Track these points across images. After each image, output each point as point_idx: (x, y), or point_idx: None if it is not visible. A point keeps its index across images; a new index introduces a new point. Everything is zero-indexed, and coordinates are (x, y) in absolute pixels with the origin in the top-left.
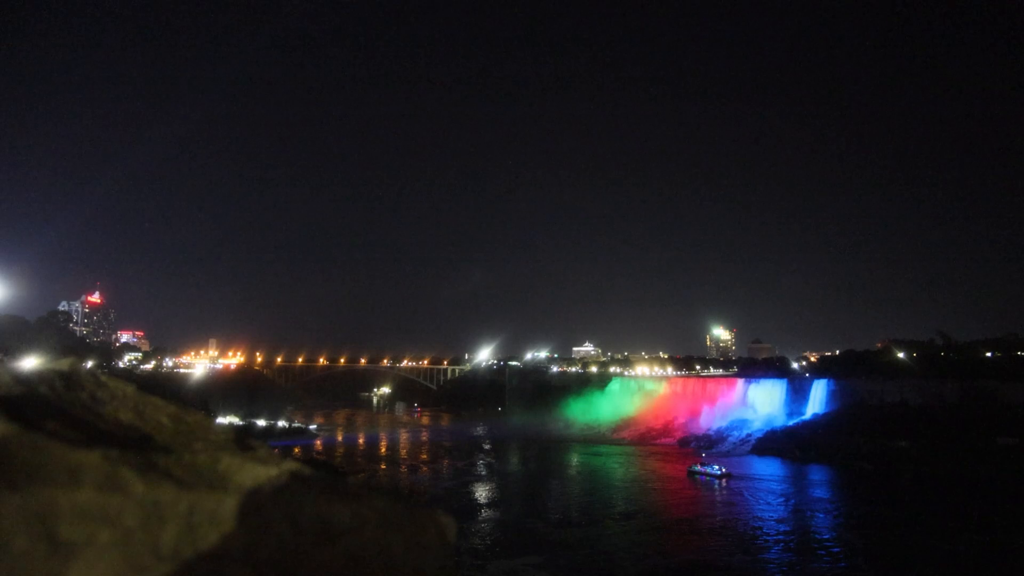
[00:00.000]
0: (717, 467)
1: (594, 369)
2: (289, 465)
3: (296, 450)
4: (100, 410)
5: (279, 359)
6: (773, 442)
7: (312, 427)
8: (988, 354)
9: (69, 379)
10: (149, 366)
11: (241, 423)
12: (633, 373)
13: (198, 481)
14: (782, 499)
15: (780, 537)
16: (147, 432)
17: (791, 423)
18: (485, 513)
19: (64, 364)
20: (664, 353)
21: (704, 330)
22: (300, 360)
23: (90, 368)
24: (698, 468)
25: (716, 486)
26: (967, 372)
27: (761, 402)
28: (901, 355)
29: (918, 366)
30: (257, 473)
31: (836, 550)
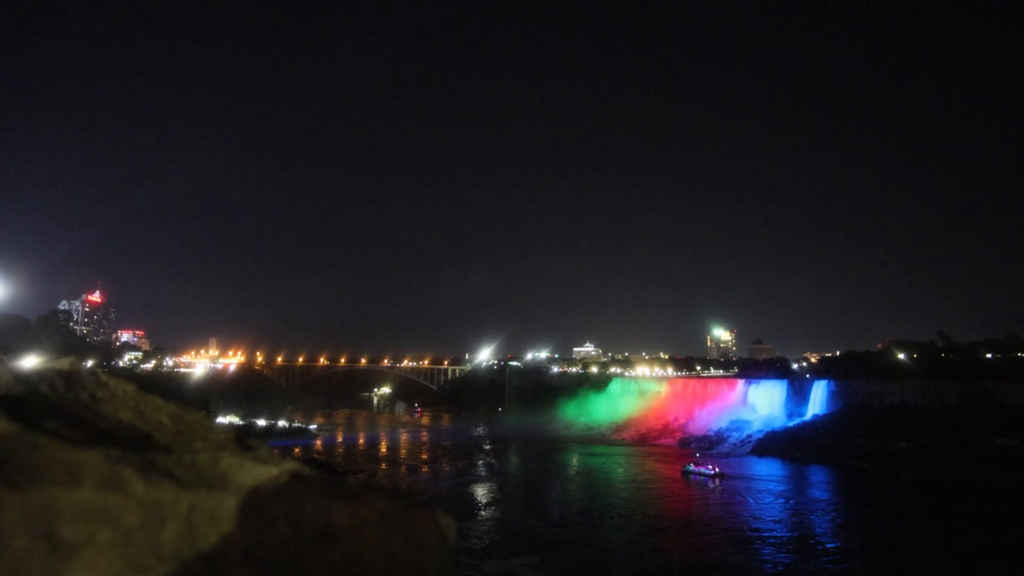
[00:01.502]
0: (710, 467)
1: (594, 369)
2: (289, 465)
3: (296, 450)
4: (100, 409)
5: (279, 359)
6: (773, 443)
7: (312, 427)
8: (988, 355)
9: (69, 378)
10: (149, 365)
11: (241, 423)
12: (633, 374)
13: (198, 481)
14: (781, 500)
15: (777, 537)
16: (147, 431)
17: (791, 424)
18: (484, 513)
19: (64, 363)
20: (664, 354)
21: (704, 331)
22: (300, 360)
23: (90, 367)
24: (692, 468)
25: (711, 486)
26: (967, 373)
27: (761, 403)
28: (901, 356)
29: (918, 367)
30: (257, 473)
31: (833, 550)
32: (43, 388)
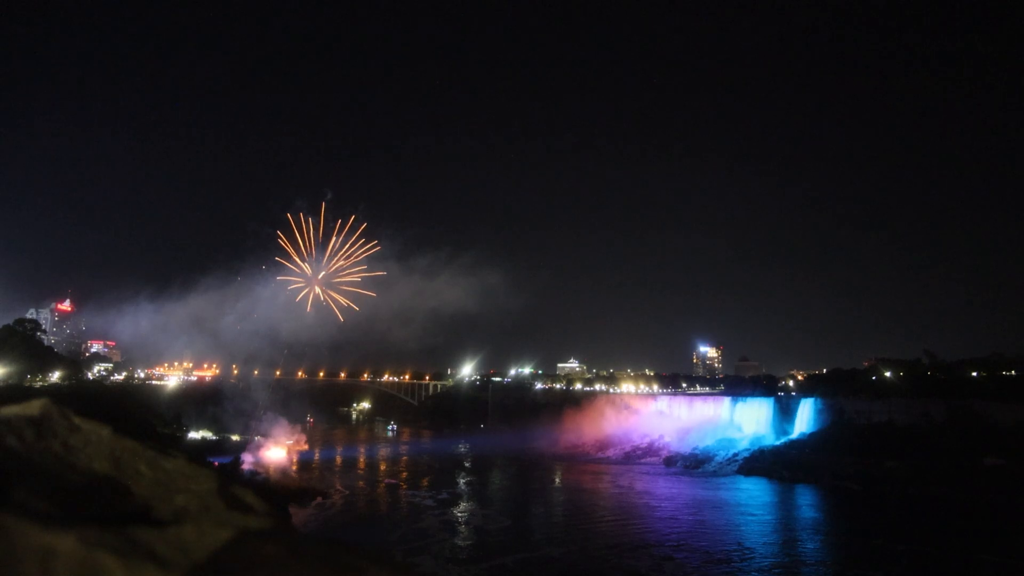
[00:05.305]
0: None
1: (579, 386)
2: (289, 538)
3: (271, 466)
4: (73, 460)
5: (256, 372)
6: (760, 462)
7: (289, 442)
8: (974, 374)
9: (40, 425)
10: (120, 377)
11: (215, 437)
12: (618, 390)
13: (182, 559)
14: (767, 520)
15: (763, 558)
16: (124, 482)
17: (778, 443)
18: (464, 533)
19: (34, 408)
20: (650, 370)
21: (690, 347)
22: (278, 373)
23: (62, 410)
24: None
25: (701, 506)
26: (953, 391)
27: (748, 421)
28: (888, 374)
29: (905, 385)
30: (249, 551)
31: (818, 570)
32: (11, 440)
